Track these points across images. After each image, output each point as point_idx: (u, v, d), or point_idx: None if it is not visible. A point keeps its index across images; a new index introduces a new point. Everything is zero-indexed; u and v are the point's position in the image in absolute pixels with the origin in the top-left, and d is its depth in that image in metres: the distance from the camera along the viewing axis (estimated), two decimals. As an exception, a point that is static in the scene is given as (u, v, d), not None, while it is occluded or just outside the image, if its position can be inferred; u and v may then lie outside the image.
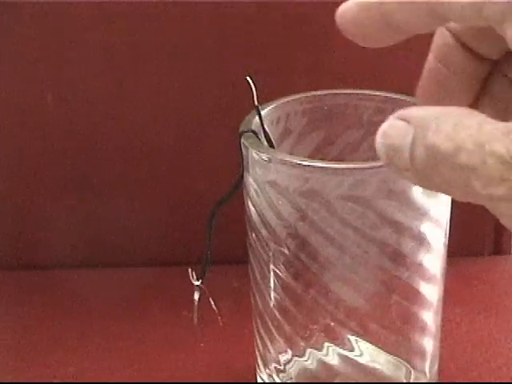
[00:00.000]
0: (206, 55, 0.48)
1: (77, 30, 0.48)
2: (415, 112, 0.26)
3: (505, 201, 0.23)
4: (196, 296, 0.36)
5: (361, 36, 0.28)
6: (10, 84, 0.49)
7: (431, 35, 0.29)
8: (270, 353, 0.37)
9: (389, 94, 0.37)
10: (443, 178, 0.25)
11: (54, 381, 0.42)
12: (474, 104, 0.30)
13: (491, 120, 0.24)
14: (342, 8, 0.27)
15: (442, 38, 0.29)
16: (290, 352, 0.36)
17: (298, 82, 0.48)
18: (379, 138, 0.27)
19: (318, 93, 0.37)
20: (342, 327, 0.35)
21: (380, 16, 0.27)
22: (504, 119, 0.30)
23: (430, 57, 0.30)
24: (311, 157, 0.37)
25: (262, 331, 0.37)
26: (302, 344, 0.36)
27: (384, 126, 0.27)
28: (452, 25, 0.29)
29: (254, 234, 0.35)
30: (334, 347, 0.35)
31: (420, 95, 0.30)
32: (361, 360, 0.35)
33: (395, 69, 0.47)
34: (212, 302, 0.36)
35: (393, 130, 0.26)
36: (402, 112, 0.26)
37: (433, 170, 0.25)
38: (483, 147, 0.23)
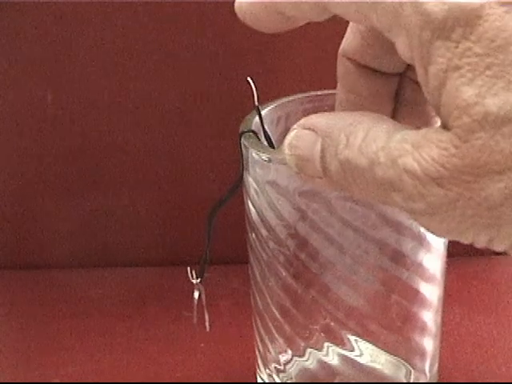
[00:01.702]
0: (206, 55, 0.48)
1: (77, 29, 0.48)
2: (320, 120, 0.26)
3: (427, 215, 0.23)
4: (195, 295, 0.36)
5: (259, 25, 0.28)
6: (10, 84, 0.49)
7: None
8: (270, 353, 0.37)
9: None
10: (362, 189, 0.25)
11: (54, 381, 0.42)
12: (394, 114, 0.30)
13: (399, 126, 0.24)
14: (238, 2, 0.28)
15: (343, 67, 0.30)
16: (289, 352, 0.36)
17: (298, 81, 0.48)
18: (287, 150, 0.27)
19: (318, 93, 0.37)
20: (342, 327, 0.35)
21: (274, 11, 0.27)
22: (422, 120, 0.30)
23: (338, 87, 0.30)
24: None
25: (262, 331, 0.37)
26: (302, 344, 0.36)
27: (290, 137, 0.27)
28: (350, 51, 0.29)
29: (253, 234, 0.35)
30: (334, 347, 0.35)
31: None
32: (361, 360, 0.35)
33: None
34: (204, 304, 0.36)
35: (300, 140, 0.26)
36: (306, 121, 0.27)
37: (350, 182, 0.25)
38: (396, 162, 0.23)
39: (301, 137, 0.26)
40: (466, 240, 0.24)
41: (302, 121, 0.27)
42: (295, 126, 0.27)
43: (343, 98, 0.30)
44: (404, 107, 0.30)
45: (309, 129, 0.26)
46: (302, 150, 0.26)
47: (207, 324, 0.36)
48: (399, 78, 0.30)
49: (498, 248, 0.23)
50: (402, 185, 0.23)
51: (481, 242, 0.23)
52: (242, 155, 0.34)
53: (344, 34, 0.30)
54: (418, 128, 0.24)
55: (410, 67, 0.29)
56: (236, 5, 0.28)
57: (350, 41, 0.29)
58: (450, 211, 0.23)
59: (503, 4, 0.21)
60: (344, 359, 0.35)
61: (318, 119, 0.26)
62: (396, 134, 0.24)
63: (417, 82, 0.28)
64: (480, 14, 0.21)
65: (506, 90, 0.21)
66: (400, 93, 0.30)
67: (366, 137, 0.24)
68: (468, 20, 0.22)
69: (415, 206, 0.23)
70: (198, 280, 0.35)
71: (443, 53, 0.22)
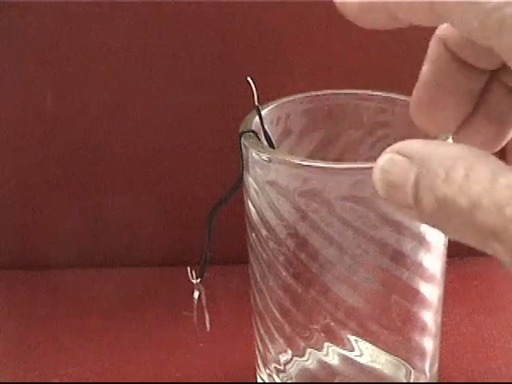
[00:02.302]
0: (206, 55, 0.48)
1: (77, 30, 0.48)
2: (418, 149, 0.24)
3: None
4: (195, 295, 0.36)
5: (362, 22, 0.27)
6: (10, 84, 0.49)
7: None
8: (270, 353, 0.37)
9: (389, 94, 0.37)
10: (458, 230, 0.23)
11: (54, 381, 0.42)
12: (471, 114, 0.29)
13: (505, 167, 0.23)
14: None
15: (437, 52, 0.28)
16: (289, 352, 0.36)
17: (298, 81, 0.48)
18: (377, 174, 0.25)
19: (318, 93, 0.37)
20: (342, 327, 0.35)
21: (383, 8, 0.26)
22: (499, 129, 0.29)
23: (425, 69, 0.29)
24: (311, 157, 0.37)
25: (262, 331, 0.37)
26: (302, 344, 0.36)
27: (382, 161, 0.25)
28: (450, 39, 0.28)
29: (253, 234, 0.35)
30: (334, 347, 0.35)
31: (414, 107, 0.29)
32: (361, 360, 0.35)
33: (395, 69, 0.47)
34: (204, 304, 0.36)
35: (392, 166, 0.25)
36: (401, 146, 0.25)
37: (444, 220, 0.23)
38: (503, 210, 0.21)
39: (394, 162, 0.25)
40: None
41: (397, 145, 0.25)
42: (389, 149, 0.25)
43: (427, 80, 0.28)
44: (484, 109, 0.29)
45: (404, 155, 0.25)
46: (393, 175, 0.25)
47: (207, 324, 0.36)
48: (489, 78, 0.29)
49: None
50: (507, 235, 0.21)
51: None
52: (242, 155, 0.34)
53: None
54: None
55: (504, 68, 0.28)
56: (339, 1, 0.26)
57: (454, 31, 0.28)
58: None
59: None
60: (344, 359, 0.35)
61: (415, 145, 0.25)
62: (502, 176, 0.22)
63: (506, 86, 0.26)
64: None
65: None
66: (485, 94, 0.29)
67: (468, 175, 0.22)
68: None
69: None
70: (198, 280, 0.35)
71: None
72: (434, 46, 0.29)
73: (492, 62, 0.28)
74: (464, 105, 0.29)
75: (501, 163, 0.23)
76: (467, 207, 0.22)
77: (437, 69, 0.28)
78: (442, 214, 0.23)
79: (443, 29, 0.28)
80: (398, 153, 0.25)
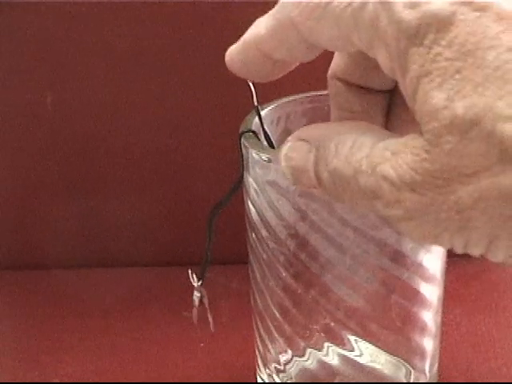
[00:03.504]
0: (206, 55, 0.48)
1: (77, 30, 0.48)
2: (314, 131, 0.27)
3: (405, 220, 0.24)
4: (195, 296, 0.36)
5: (249, 74, 0.29)
6: (10, 84, 0.49)
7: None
8: (270, 353, 0.37)
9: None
10: (350, 198, 0.25)
11: (54, 381, 0.42)
12: (387, 126, 0.30)
13: (387, 134, 0.25)
14: (229, 51, 0.29)
15: (334, 87, 0.30)
16: (289, 352, 0.36)
17: (298, 81, 0.48)
18: (282, 162, 0.27)
19: (318, 93, 0.37)
20: (342, 327, 0.35)
21: (262, 55, 0.28)
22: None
23: (331, 107, 0.31)
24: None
25: (262, 331, 0.37)
26: (302, 344, 0.36)
27: (285, 149, 0.27)
28: (339, 71, 0.30)
29: (253, 234, 0.35)
30: (334, 347, 0.35)
31: None
32: (361, 360, 0.35)
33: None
34: (207, 306, 0.36)
35: (294, 152, 0.27)
36: (300, 132, 0.27)
37: (339, 191, 0.25)
38: (375, 170, 0.23)
39: (295, 148, 0.27)
40: (442, 245, 0.24)
41: (297, 132, 0.27)
42: (290, 137, 0.27)
43: (337, 116, 0.30)
44: (396, 120, 0.30)
45: (303, 140, 0.26)
46: (296, 160, 0.26)
47: (211, 326, 0.36)
48: (390, 93, 0.30)
49: (474, 252, 0.23)
50: (381, 192, 0.23)
51: (457, 247, 0.23)
52: (242, 155, 0.34)
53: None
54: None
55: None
56: (226, 56, 0.29)
57: (337, 61, 0.30)
58: (425, 216, 0.23)
59: (475, 9, 0.22)
60: (344, 359, 0.35)
61: (312, 130, 0.27)
62: (382, 141, 0.24)
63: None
64: (452, 21, 0.22)
65: (474, 93, 0.21)
66: (392, 106, 0.30)
67: (353, 146, 0.24)
68: (440, 26, 0.22)
69: (393, 212, 0.23)
70: (199, 282, 0.35)
71: (416, 59, 0.22)
72: (330, 86, 0.31)
73: (383, 81, 0.29)
74: (376, 123, 0.30)
75: (386, 132, 0.25)
76: (351, 174, 0.24)
77: (340, 101, 0.30)
78: (336, 186, 0.25)
79: (330, 68, 0.30)
80: (298, 139, 0.27)
